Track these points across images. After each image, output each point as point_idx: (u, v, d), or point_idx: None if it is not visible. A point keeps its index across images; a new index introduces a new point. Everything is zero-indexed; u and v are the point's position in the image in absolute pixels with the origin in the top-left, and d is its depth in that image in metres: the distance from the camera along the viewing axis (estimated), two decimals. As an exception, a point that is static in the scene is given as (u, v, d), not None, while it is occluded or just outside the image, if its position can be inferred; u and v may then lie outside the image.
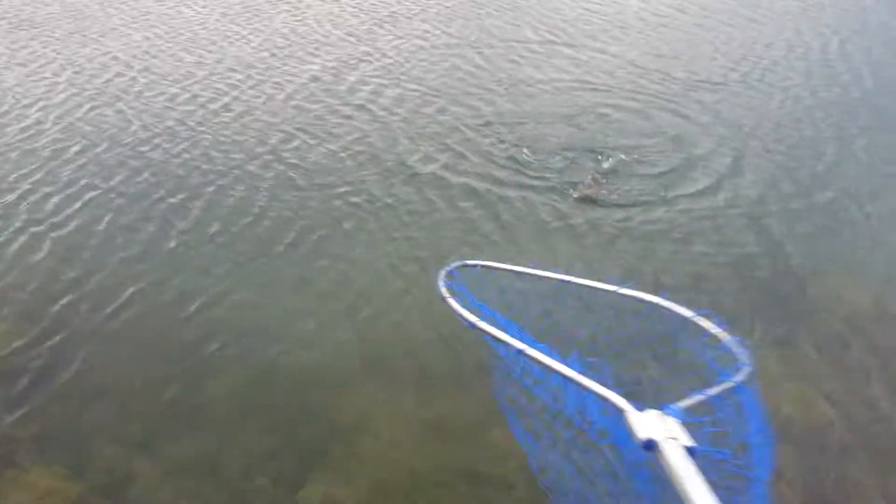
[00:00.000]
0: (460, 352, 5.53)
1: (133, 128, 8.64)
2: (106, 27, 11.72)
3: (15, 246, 6.57)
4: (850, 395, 5.25)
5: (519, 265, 3.45)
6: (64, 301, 5.91)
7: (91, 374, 5.25)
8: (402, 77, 9.99)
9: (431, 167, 7.87)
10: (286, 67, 10.32)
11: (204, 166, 7.88)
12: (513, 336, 2.47)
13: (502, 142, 8.36)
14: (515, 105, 9.29)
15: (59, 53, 10.72)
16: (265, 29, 11.78)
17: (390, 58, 10.61)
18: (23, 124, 8.69)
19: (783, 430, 4.95)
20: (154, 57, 10.65)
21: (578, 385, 2.20)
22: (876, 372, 5.42)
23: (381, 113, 9.04)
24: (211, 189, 7.45)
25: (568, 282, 2.96)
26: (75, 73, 10.07)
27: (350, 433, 4.85)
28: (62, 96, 9.37)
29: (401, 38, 11.36)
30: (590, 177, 7.55)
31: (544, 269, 3.08)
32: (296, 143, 8.33)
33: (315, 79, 9.95)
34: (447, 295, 2.91)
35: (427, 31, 11.61)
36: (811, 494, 4.55)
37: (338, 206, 7.19)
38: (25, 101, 9.25)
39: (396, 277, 6.29)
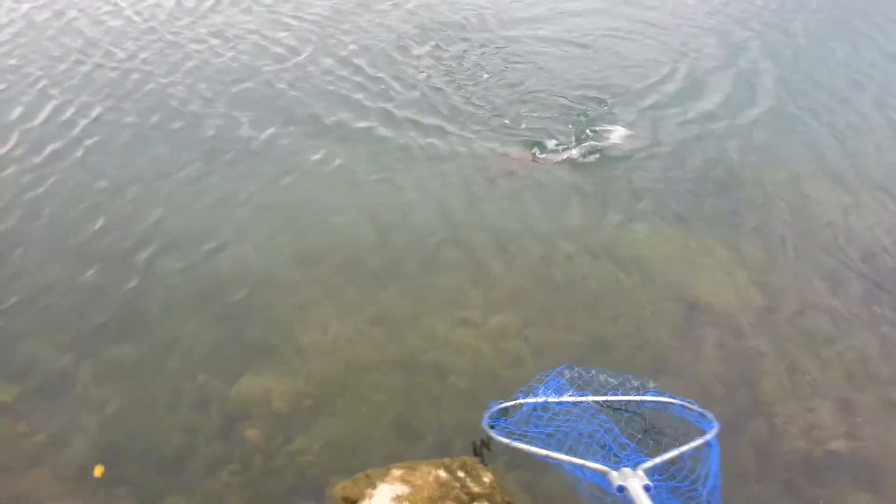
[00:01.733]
0: (398, 246, 5.64)
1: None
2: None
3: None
4: (772, 279, 5.52)
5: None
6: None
7: (26, 279, 5.20)
8: None
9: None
10: None
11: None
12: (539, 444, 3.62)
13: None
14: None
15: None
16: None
17: None
18: None
19: (706, 309, 5.21)
20: None
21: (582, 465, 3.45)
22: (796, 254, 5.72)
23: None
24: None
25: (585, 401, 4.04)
26: None
27: (291, 328, 4.94)
28: None
29: None
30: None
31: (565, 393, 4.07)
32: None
33: None
34: (489, 431, 3.85)
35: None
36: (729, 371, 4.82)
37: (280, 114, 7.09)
38: None
39: (333, 175, 6.33)
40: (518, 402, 3.97)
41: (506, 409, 4.00)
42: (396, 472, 3.50)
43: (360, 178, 6.34)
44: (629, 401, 4.12)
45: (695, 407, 3.98)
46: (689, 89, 7.78)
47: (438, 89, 7.55)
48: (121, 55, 8.04)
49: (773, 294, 5.38)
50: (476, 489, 3.46)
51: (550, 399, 3.95)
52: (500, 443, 3.71)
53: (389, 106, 7.28)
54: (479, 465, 3.69)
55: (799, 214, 6.14)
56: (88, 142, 6.63)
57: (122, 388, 4.53)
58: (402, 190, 6.23)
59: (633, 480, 3.22)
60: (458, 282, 5.35)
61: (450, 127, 6.99)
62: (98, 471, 4.00)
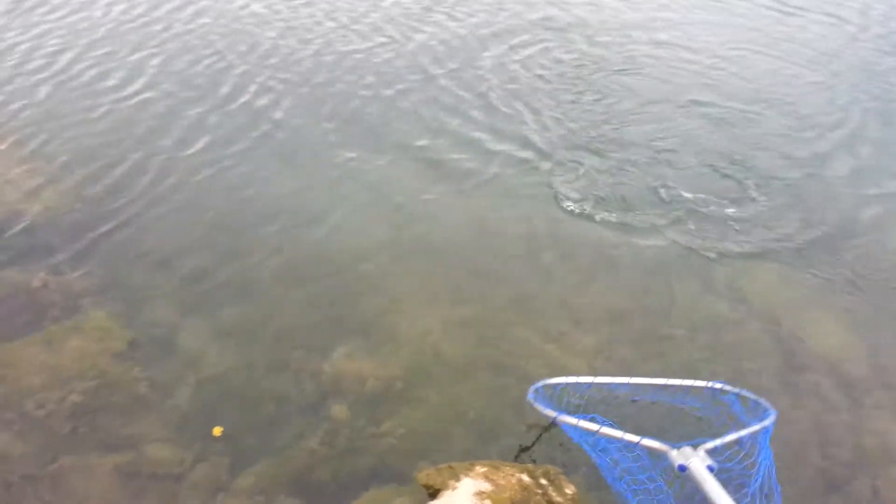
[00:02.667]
0: (497, 250, 5.69)
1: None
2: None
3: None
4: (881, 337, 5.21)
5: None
6: (128, 167, 6.29)
7: (148, 239, 5.59)
8: None
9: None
10: None
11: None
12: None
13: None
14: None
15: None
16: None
17: None
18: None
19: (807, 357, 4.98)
20: None
21: (637, 443, 3.30)
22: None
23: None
24: (291, 94, 7.63)
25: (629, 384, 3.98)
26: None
27: (384, 315, 5.07)
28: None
29: None
30: None
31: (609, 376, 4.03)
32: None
33: None
34: (534, 402, 3.85)
35: None
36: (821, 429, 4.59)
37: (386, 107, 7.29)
38: None
39: (439, 179, 6.43)
40: (569, 380, 3.89)
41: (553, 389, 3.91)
42: (480, 469, 3.53)
43: (473, 186, 6.43)
44: (681, 385, 3.95)
45: (750, 395, 3.85)
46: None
47: (569, 125, 7.57)
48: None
49: (885, 351, 5.08)
50: (558, 499, 3.44)
51: (599, 380, 3.87)
52: (547, 415, 3.60)
53: (526, 131, 7.20)
54: (562, 477, 3.67)
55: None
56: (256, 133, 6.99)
57: (225, 350, 4.78)
58: (515, 200, 6.28)
59: (695, 460, 3.10)
60: (555, 296, 5.35)
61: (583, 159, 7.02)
62: (217, 431, 4.23)
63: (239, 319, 4.98)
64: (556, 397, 3.94)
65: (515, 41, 8.73)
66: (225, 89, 7.50)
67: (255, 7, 9.20)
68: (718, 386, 3.94)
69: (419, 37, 8.74)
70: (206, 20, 8.81)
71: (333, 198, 6.14)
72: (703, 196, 6.34)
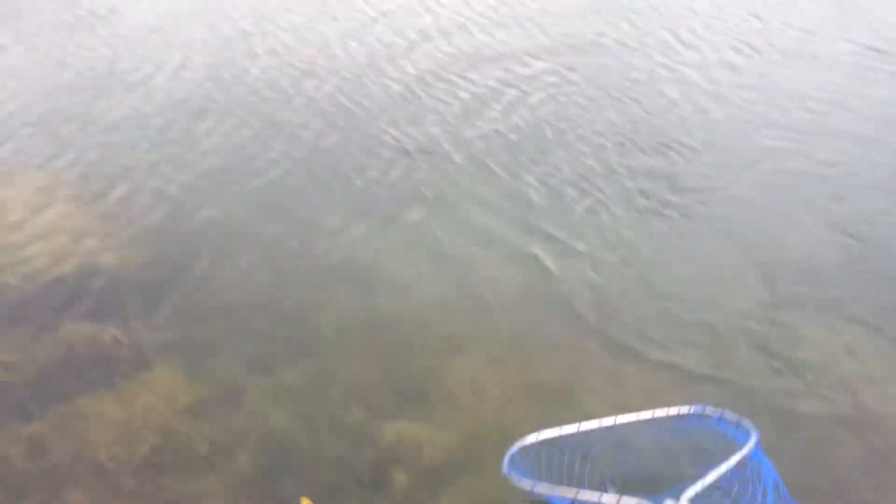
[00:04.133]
0: (560, 318, 5.58)
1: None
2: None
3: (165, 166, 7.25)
4: None
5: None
6: (197, 224, 6.52)
7: (216, 294, 5.72)
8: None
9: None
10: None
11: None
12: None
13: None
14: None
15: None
16: None
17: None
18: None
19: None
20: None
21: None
22: None
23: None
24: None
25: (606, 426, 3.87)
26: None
27: (447, 382, 5.01)
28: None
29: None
30: None
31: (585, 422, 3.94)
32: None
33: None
34: (510, 474, 3.78)
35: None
36: None
37: (452, 171, 7.37)
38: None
39: (505, 249, 6.39)
40: (542, 436, 3.85)
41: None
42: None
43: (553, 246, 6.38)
44: (667, 416, 3.82)
45: (732, 417, 3.65)
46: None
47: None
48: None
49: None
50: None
51: (567, 429, 3.81)
52: (522, 487, 3.55)
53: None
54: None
55: None
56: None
57: (287, 411, 4.78)
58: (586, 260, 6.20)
59: None
60: (613, 362, 5.20)
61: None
62: (305, 502, 4.18)
63: (301, 378, 5.01)
64: (538, 460, 3.91)
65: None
66: (302, 149, 7.75)
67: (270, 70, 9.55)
68: (706, 410, 3.80)
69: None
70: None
71: (402, 260, 6.17)
72: None
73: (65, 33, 10.59)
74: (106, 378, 4.95)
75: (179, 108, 8.51)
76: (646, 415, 3.81)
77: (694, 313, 5.59)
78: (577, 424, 3.88)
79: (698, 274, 6.05)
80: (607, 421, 3.81)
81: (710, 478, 3.21)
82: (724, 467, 3.28)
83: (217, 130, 8.06)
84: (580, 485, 3.59)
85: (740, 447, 3.48)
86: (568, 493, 3.33)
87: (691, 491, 3.12)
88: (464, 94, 8.78)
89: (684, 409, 3.81)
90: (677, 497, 3.09)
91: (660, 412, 3.81)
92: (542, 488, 3.50)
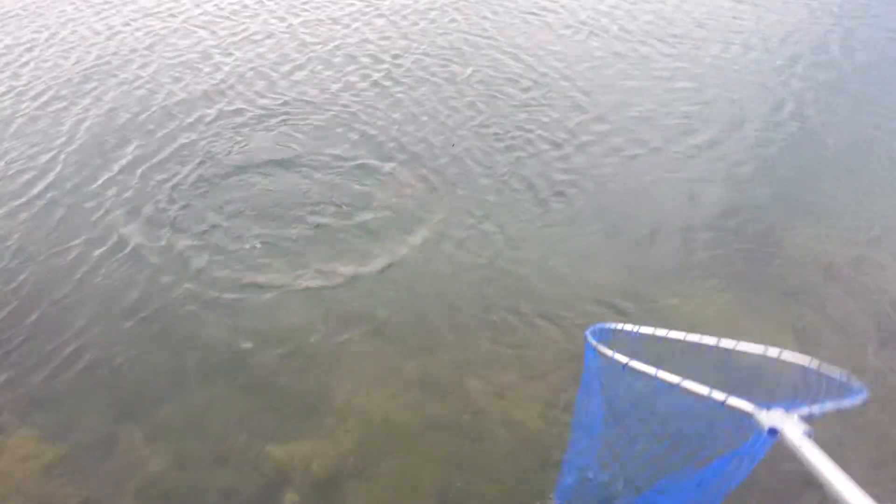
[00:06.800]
0: (433, 311, 5.64)
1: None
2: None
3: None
4: (821, 345, 5.38)
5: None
6: (42, 270, 6.01)
7: (73, 341, 5.32)
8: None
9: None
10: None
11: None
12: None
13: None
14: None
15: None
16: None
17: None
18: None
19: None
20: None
21: (710, 400, 2.79)
22: (845, 319, 5.56)
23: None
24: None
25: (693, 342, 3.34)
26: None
27: (329, 389, 4.95)
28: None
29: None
30: None
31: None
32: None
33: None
34: (595, 345, 3.36)
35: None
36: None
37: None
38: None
39: (372, 244, 6.39)
40: (623, 329, 3.32)
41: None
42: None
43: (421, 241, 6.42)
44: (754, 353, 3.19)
45: (836, 375, 3.12)
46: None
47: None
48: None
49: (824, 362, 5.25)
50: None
51: (661, 332, 3.22)
52: (617, 361, 3.09)
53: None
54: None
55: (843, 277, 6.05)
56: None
57: (164, 450, 4.56)
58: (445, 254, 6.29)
59: (790, 424, 2.59)
60: (495, 345, 5.34)
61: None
62: None
63: (174, 415, 4.77)
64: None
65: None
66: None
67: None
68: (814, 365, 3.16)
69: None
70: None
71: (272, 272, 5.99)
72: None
73: None
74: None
75: None
76: (752, 347, 3.15)
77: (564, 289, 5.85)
78: (662, 329, 3.31)
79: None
80: (703, 338, 3.19)
81: (829, 406, 2.75)
82: (842, 403, 2.80)
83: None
84: None
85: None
86: (671, 378, 2.90)
87: (806, 410, 2.67)
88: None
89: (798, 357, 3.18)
90: (789, 410, 2.64)
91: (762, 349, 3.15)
92: (640, 365, 3.02)
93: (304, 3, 11.44)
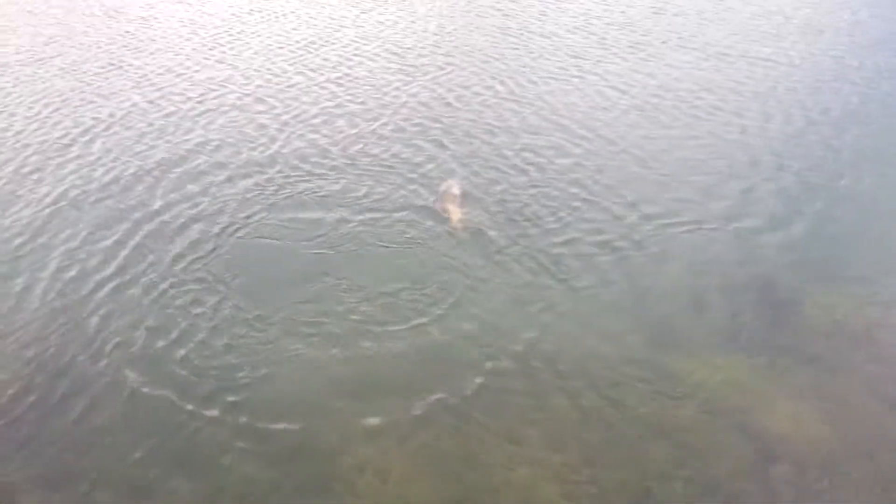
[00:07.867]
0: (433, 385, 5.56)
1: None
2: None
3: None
4: (843, 411, 5.29)
5: None
6: (60, 347, 5.96)
7: (91, 420, 5.30)
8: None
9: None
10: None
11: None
12: None
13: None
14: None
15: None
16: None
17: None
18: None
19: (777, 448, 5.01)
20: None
21: None
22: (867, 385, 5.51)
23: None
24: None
25: None
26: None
27: (345, 464, 4.91)
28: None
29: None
30: None
31: None
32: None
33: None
34: None
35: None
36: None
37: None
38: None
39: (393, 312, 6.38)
40: None
41: None
42: None
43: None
44: None
45: None
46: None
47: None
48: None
49: (844, 429, 5.15)
50: None
51: None
52: None
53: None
54: None
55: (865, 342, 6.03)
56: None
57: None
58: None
59: None
60: (516, 418, 5.30)
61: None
62: None
63: (190, 493, 4.73)
64: None
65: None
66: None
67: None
68: None
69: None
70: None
71: (272, 356, 5.89)
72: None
73: None
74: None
75: None
76: None
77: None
78: None
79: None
80: None
81: None
82: None
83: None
84: None
85: None
86: None
87: None
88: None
89: None
90: None
91: None
92: None
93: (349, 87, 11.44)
